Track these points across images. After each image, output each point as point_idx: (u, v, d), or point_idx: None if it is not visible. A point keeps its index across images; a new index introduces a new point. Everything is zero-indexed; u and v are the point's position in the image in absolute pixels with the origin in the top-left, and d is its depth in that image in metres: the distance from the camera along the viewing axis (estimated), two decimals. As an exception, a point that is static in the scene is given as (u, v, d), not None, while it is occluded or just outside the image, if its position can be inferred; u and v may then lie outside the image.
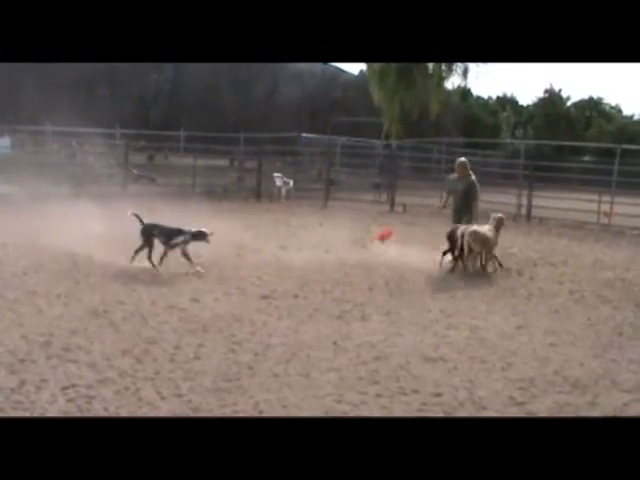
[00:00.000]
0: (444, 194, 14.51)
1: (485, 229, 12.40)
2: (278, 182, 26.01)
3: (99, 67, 40.10)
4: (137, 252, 11.22)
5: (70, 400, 5.69)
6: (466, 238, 11.95)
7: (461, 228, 12.27)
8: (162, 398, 5.84)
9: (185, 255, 11.19)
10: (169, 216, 14.40)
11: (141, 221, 11.45)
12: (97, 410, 5.52)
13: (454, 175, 13.99)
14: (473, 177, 13.78)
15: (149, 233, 11.30)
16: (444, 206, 14.50)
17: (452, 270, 12.15)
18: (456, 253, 12.23)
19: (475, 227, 12.32)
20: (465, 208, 13.56)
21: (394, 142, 32.84)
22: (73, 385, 6.01)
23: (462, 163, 13.84)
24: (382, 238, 14.36)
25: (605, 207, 22.44)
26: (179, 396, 5.90)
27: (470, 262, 12.31)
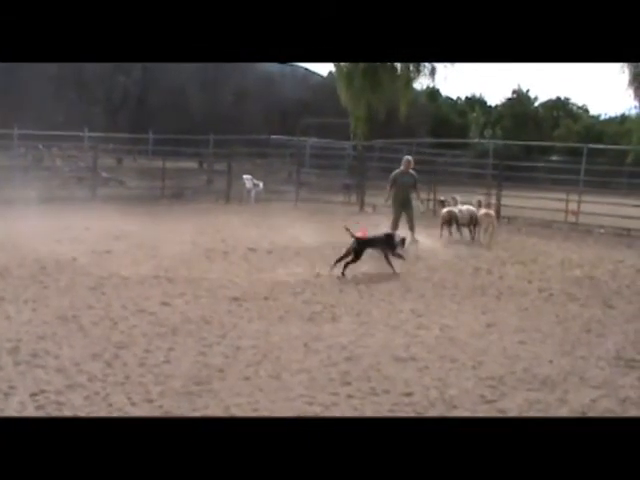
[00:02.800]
0: (388, 187, 16.63)
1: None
2: (248, 184, 25.94)
3: (67, 70, 39.78)
4: (338, 262, 11.64)
5: (39, 407, 5.63)
6: (485, 218, 16.39)
7: (463, 209, 16.58)
8: (132, 404, 5.79)
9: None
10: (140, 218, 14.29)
11: (353, 235, 11.72)
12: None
13: (400, 170, 16.54)
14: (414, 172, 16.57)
15: (363, 249, 11.71)
16: (388, 199, 16.67)
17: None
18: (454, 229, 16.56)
19: (485, 210, 16.67)
20: (409, 198, 16.41)
21: (362, 143, 32.88)
22: (42, 391, 5.95)
23: (409, 160, 16.62)
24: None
25: (573, 206, 22.65)
26: (150, 401, 5.86)
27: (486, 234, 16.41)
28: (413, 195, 16.62)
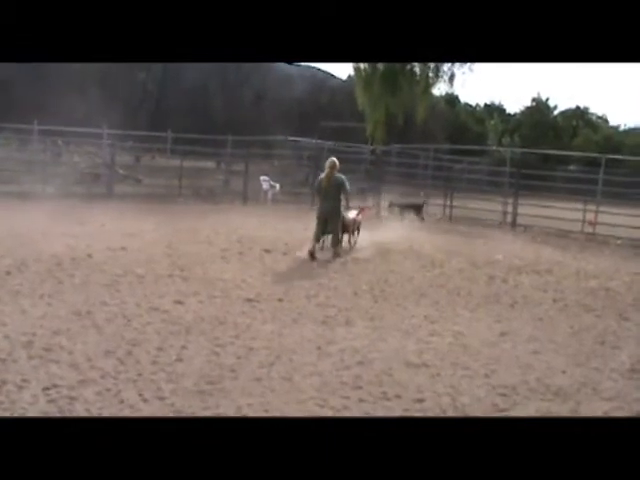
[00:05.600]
0: (314, 196, 15.17)
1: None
2: (265, 185, 25.97)
3: (88, 67, 39.98)
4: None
5: (51, 401, 5.66)
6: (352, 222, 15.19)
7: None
8: (144, 400, 5.82)
9: None
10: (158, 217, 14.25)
11: None
12: (78, 411, 5.49)
13: (324, 174, 14.23)
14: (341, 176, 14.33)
15: None
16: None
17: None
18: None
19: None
20: (335, 207, 14.07)
21: (379, 147, 32.86)
22: (55, 385, 5.99)
23: (334, 162, 14.22)
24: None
25: (590, 216, 22.54)
26: (161, 398, 5.89)
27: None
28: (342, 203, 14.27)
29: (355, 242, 15.39)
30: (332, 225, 14.06)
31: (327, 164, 14.26)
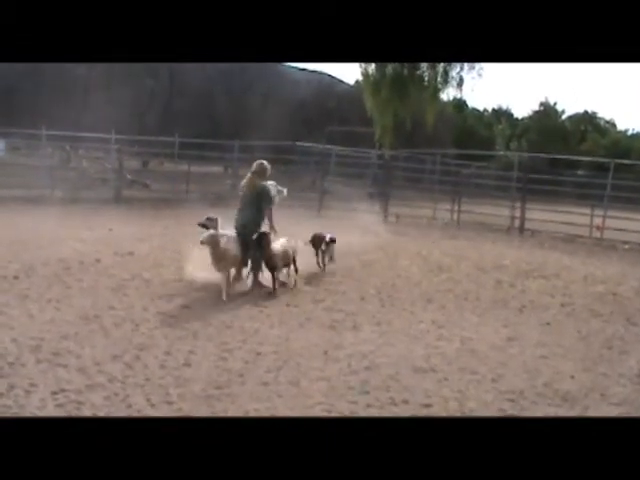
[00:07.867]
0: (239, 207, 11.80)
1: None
2: (272, 190, 25.93)
3: (95, 71, 40.14)
4: None
5: (59, 405, 5.67)
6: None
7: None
8: (152, 405, 5.83)
9: None
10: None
11: None
12: (86, 416, 5.50)
13: (247, 180, 11.75)
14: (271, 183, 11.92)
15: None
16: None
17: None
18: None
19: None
20: (256, 221, 11.29)
21: (388, 152, 32.85)
22: (62, 390, 6.00)
23: (264, 165, 11.72)
24: None
25: (598, 221, 22.48)
26: (169, 403, 5.89)
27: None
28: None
29: (295, 280, 11.24)
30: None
31: (255, 167, 11.70)
